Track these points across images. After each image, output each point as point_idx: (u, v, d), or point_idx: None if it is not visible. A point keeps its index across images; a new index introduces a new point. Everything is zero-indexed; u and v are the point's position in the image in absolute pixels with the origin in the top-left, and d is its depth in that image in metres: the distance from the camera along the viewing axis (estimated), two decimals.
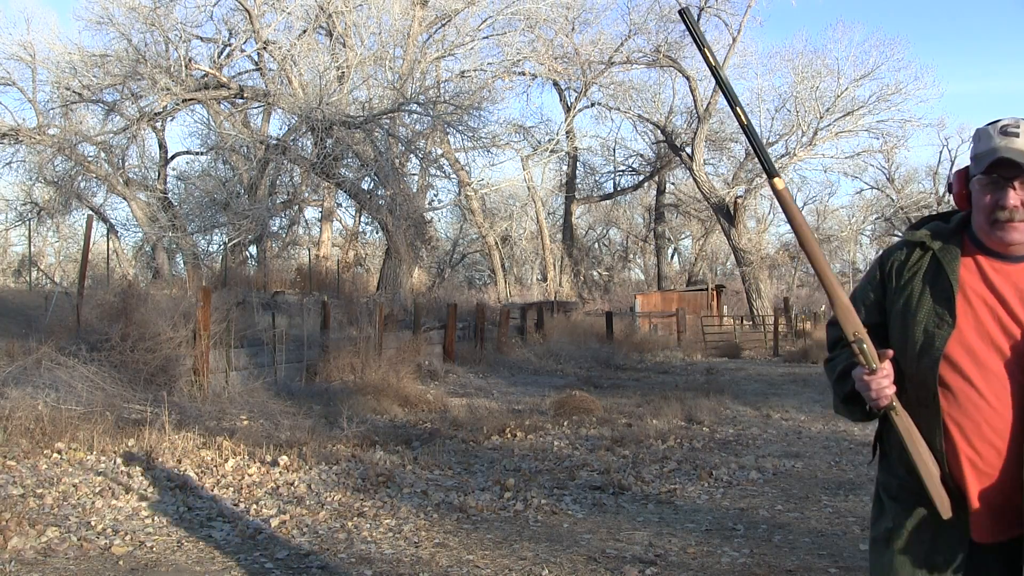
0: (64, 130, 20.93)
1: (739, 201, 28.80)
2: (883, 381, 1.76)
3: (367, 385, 10.38)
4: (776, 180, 1.76)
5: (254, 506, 5.22)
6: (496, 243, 33.88)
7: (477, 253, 42.73)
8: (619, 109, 32.15)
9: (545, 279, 35.58)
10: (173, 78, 18.67)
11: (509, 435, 7.96)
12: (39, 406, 6.74)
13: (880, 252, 1.99)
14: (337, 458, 6.51)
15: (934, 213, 2.00)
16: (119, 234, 25.02)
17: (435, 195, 26.35)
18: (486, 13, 23.21)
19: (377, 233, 27.59)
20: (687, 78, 29.32)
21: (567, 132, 30.74)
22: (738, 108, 1.76)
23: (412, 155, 22.03)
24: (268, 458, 6.32)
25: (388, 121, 19.77)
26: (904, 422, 1.80)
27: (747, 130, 1.76)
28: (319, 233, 31.49)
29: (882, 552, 1.92)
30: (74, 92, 20.26)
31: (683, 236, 46.26)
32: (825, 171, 64.96)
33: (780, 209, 1.78)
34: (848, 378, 1.86)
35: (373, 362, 11.29)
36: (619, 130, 65.45)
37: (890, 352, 1.77)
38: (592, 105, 33.28)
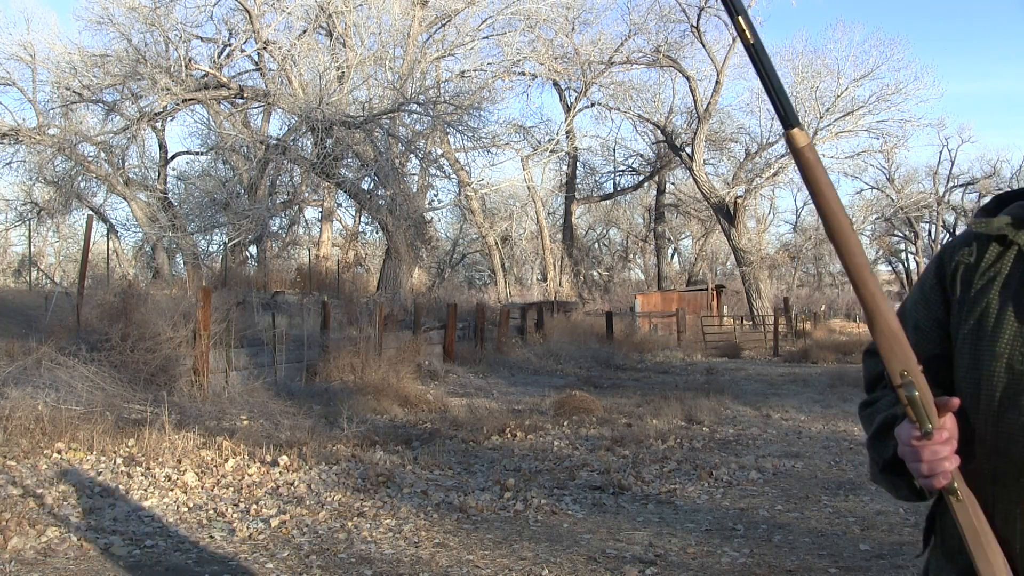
0: (64, 130, 20.93)
1: (739, 201, 28.82)
2: (941, 449, 1.16)
3: (367, 385, 10.39)
4: (796, 133, 1.12)
5: (254, 506, 5.22)
6: (496, 243, 33.88)
7: (477, 253, 42.73)
8: (619, 109, 32.17)
9: (545, 279, 35.57)
10: (173, 78, 18.67)
11: (509, 435, 7.96)
12: (39, 406, 6.74)
13: (939, 248, 1.38)
14: (337, 458, 6.51)
15: (1012, 189, 1.38)
16: (119, 234, 25.03)
17: (435, 195, 26.37)
18: (486, 13, 23.24)
19: (377, 233, 27.59)
20: (687, 78, 29.35)
21: (567, 132, 30.74)
22: (740, 18, 1.09)
23: (412, 155, 22.04)
24: (268, 458, 6.32)
25: (388, 121, 19.77)
26: (968, 515, 1.19)
27: (754, 53, 1.10)
28: (319, 233, 31.50)
29: None
30: (74, 92, 20.26)
31: (683, 236, 46.30)
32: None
33: (800, 174, 1.15)
34: (890, 436, 1.26)
35: (373, 362, 11.30)
36: (619, 130, 65.47)
37: (955, 401, 1.17)
38: (592, 105, 33.32)
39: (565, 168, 37.03)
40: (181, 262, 23.57)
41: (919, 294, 1.39)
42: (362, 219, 31.94)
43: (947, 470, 1.16)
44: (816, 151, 1.13)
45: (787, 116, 1.12)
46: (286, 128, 21.56)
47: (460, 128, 20.95)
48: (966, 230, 1.37)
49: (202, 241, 23.38)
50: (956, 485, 1.18)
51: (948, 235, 49.36)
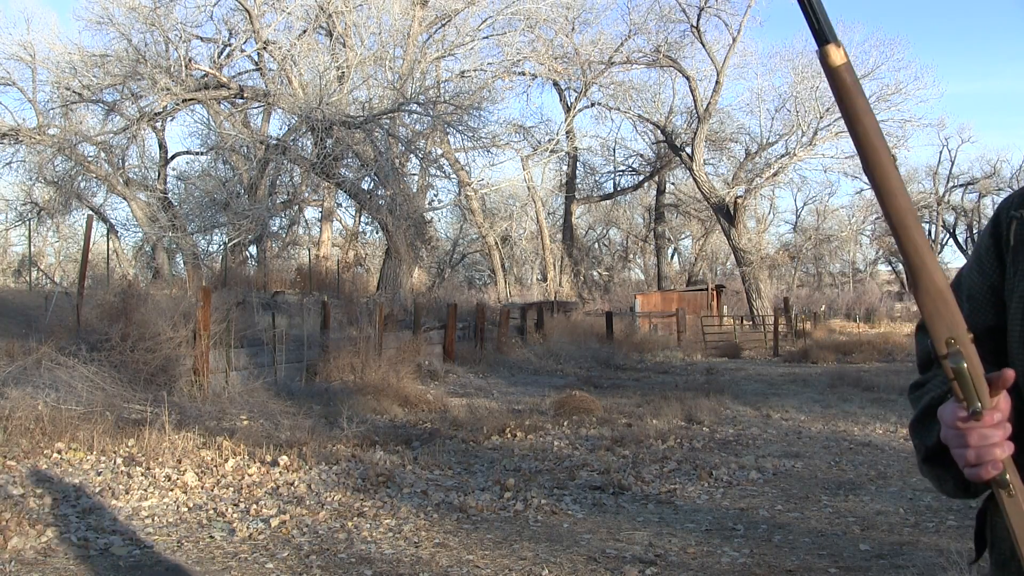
0: (64, 130, 20.93)
1: (739, 201, 28.81)
2: (991, 433, 0.98)
3: (367, 385, 10.39)
4: (831, 49, 0.94)
5: (254, 506, 5.22)
6: (496, 243, 33.88)
7: (477, 253, 42.75)
8: (619, 109, 32.17)
9: (545, 279, 35.57)
10: (173, 78, 18.67)
11: (509, 435, 7.96)
12: (39, 406, 6.74)
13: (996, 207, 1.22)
14: (337, 458, 6.51)
15: None
16: (119, 234, 25.03)
17: (435, 195, 26.35)
18: (486, 13, 23.25)
19: (377, 233, 27.59)
20: (687, 78, 29.34)
21: (567, 132, 30.73)
22: None
23: (412, 155, 22.04)
24: (268, 458, 6.32)
25: (388, 121, 19.77)
26: (1020, 511, 1.00)
27: None
28: (319, 233, 31.51)
29: None
30: (74, 92, 20.26)
31: (683, 236, 46.32)
32: (825, 171, 64.94)
33: (836, 100, 0.97)
34: (934, 418, 1.09)
35: (373, 362, 11.30)
36: (619, 130, 65.44)
37: (1010, 374, 0.99)
38: (592, 105, 33.31)
39: (565, 168, 37.05)
40: (181, 262, 23.56)
41: (974, 259, 1.23)
42: (362, 219, 31.97)
43: (997, 458, 0.98)
44: (854, 72, 0.94)
45: (821, 29, 0.94)
46: (286, 128, 21.58)
47: (460, 128, 20.96)
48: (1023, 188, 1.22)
49: (202, 241, 23.38)
50: (1008, 476, 0.99)
51: (948, 235, 49.41)
